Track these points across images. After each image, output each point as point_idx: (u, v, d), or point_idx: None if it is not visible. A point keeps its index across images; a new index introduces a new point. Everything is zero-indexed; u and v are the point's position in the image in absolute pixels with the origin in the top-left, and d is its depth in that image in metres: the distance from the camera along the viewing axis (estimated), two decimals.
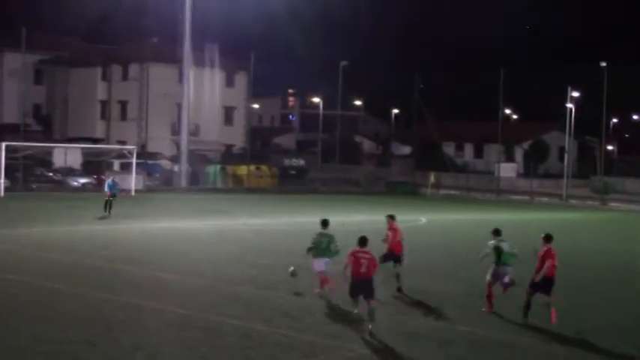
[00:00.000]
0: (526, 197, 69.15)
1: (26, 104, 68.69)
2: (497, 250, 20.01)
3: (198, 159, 72.35)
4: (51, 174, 59.01)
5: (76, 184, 57.68)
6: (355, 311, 18.57)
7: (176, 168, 66.41)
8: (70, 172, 58.79)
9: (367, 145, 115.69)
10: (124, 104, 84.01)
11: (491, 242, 20.21)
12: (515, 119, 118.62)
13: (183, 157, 65.53)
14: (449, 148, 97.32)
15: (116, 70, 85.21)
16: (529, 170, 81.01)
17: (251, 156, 70.00)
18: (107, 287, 21.23)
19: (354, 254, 18.17)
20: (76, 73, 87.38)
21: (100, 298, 20.05)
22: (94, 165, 60.81)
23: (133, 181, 55.60)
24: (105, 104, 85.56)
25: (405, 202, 58.97)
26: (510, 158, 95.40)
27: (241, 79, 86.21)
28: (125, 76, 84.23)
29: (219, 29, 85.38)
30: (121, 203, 41.57)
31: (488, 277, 20.17)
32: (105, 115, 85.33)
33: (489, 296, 20.11)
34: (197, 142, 75.68)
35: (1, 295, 20.14)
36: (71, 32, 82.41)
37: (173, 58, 70.35)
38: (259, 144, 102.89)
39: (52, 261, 25.42)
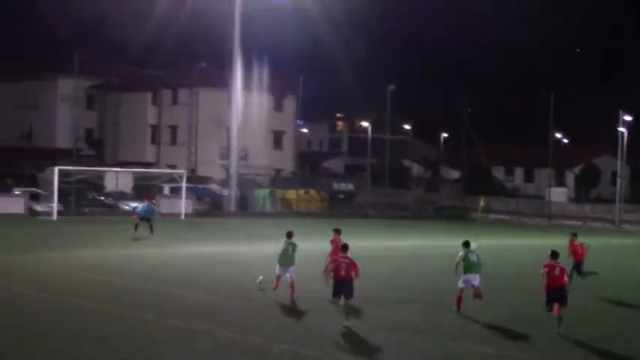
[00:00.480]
0: (578, 222, 68.25)
1: (78, 129, 69.73)
2: (466, 261, 22.84)
3: (248, 183, 72.67)
4: (102, 198, 59.65)
5: (127, 207, 58.15)
6: (338, 303, 20.66)
7: (225, 192, 66.71)
8: (121, 196, 59.34)
9: (416, 169, 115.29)
10: (174, 128, 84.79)
11: (461, 253, 23.01)
12: (565, 143, 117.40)
13: (233, 181, 65.84)
14: (498, 172, 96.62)
15: (166, 95, 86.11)
16: (580, 195, 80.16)
17: (300, 180, 70.13)
18: (155, 309, 21.34)
19: (335, 259, 20.98)
20: (126, 98, 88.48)
21: (148, 319, 20.15)
22: (144, 189, 61.32)
23: (182, 205, 55.99)
24: (155, 128, 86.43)
25: (454, 226, 58.55)
26: (561, 182, 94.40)
27: (290, 103, 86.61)
28: (175, 101, 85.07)
29: (267, 53, 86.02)
30: (170, 226, 41.92)
31: (459, 283, 22.90)
32: (155, 140, 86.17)
33: (459, 298, 22.82)
34: (246, 167, 76.03)
35: (53, 315, 20.35)
36: (122, 57, 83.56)
37: (222, 83, 70.93)
38: (308, 168, 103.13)
39: (102, 283, 25.62)
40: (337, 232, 26.78)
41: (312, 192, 70.13)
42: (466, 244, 23.21)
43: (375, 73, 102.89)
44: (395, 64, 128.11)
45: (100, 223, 49.22)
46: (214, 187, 70.83)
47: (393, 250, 39.37)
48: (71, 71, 61.43)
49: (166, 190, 61.77)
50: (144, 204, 41.67)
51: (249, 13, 66.92)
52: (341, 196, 74.61)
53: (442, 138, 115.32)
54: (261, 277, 24.70)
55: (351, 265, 20.53)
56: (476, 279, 22.99)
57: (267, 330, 19.48)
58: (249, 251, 36.64)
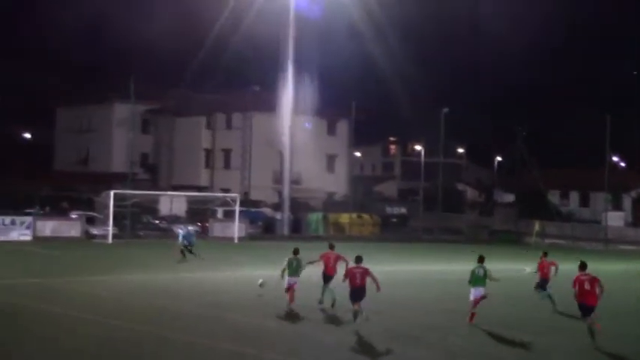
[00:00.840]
0: (636, 247, 67.04)
1: (134, 153, 70.46)
2: (472, 275, 24.77)
3: (300, 207, 72.75)
4: (157, 221, 60.13)
5: (180, 231, 58.56)
6: (355, 309, 23.26)
7: (278, 216, 66.87)
8: (175, 219, 59.76)
9: (470, 193, 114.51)
10: (227, 152, 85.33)
11: (472, 268, 24.94)
12: (622, 166, 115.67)
13: (286, 205, 65.97)
14: (553, 196, 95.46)
15: (220, 119, 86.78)
16: (638, 219, 78.71)
17: (353, 204, 69.98)
18: (209, 334, 21.38)
19: (351, 269, 23.86)
20: (181, 122, 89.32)
21: (202, 345, 20.19)
22: (198, 213, 61.72)
23: (236, 229, 56.21)
24: (209, 152, 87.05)
25: (509, 251, 57.90)
26: (618, 207, 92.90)
27: (343, 127, 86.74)
28: (229, 125, 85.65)
29: (320, 77, 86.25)
30: (223, 250, 42.03)
31: (470, 296, 24.67)
32: (209, 164, 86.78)
33: (472, 311, 24.48)
34: (299, 190, 76.16)
35: (108, 339, 20.48)
36: (176, 82, 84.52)
37: (275, 107, 71.27)
38: (361, 192, 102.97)
39: (156, 307, 25.75)
40: (331, 247, 28.98)
41: (365, 216, 69.95)
42: (480, 259, 25.08)
43: (428, 97, 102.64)
44: (449, 87, 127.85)
45: (154, 246, 49.58)
46: (267, 210, 71.04)
47: (448, 274, 39.00)
48: (127, 96, 62.16)
49: (220, 214, 62.07)
50: (184, 230, 41.49)
51: (303, 38, 67.28)
52: (394, 220, 74.30)
53: (496, 161, 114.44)
54: (261, 280, 28.02)
55: (364, 273, 23.54)
56: (481, 291, 24.71)
57: (324, 355, 19.35)
58: (303, 275, 36.48)
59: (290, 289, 26.28)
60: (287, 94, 66.90)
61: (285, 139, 67.59)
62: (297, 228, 66.04)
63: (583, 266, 22.27)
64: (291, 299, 26.08)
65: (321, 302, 26.59)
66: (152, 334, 21.18)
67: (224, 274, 35.46)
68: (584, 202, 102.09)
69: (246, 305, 26.53)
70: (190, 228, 44.01)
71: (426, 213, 79.14)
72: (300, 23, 66.08)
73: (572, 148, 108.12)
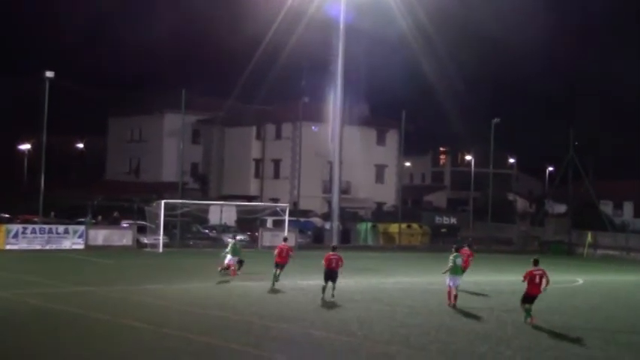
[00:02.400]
0: None
1: (184, 163, 70.96)
2: (453, 263, 29.50)
3: (350, 216, 72.65)
4: (207, 231, 60.47)
5: (230, 241, 58.76)
6: (324, 285, 30.02)
7: (327, 225, 66.85)
8: (225, 229, 60.05)
9: (520, 203, 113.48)
10: (277, 162, 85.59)
11: (451, 257, 29.69)
12: None
13: (335, 215, 65.93)
14: (606, 207, 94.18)
15: (270, 129, 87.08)
16: None
17: (402, 214, 69.74)
18: (257, 343, 21.39)
19: (328, 256, 30.32)
20: (231, 133, 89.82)
21: (250, 354, 20.22)
22: (247, 222, 61.94)
23: None
24: (259, 162, 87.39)
25: (560, 262, 57.20)
26: None
27: (392, 137, 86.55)
28: (278, 135, 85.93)
29: (370, 87, 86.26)
30: (273, 260, 42.01)
31: (448, 282, 29.63)
32: (259, 174, 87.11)
33: (449, 293, 29.58)
34: (348, 200, 76.12)
35: (159, 348, 20.61)
36: (227, 93, 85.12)
37: (325, 117, 71.35)
38: (410, 202, 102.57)
39: (206, 316, 25.86)
40: (285, 240, 36.55)
41: (415, 226, 69.66)
42: (456, 249, 30.71)
43: (479, 107, 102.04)
44: (500, 96, 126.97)
45: (204, 255, 49.79)
46: (316, 220, 71.06)
47: (500, 284, 38.64)
48: (178, 107, 62.64)
49: (269, 224, 62.23)
50: (230, 246, 39.24)
51: (353, 48, 67.31)
52: (443, 230, 73.85)
53: (547, 171, 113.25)
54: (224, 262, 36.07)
55: (339, 259, 30.19)
56: (456, 281, 29.53)
57: None
58: (352, 285, 36.49)
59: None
60: (336, 104, 66.93)
61: (335, 149, 67.58)
62: (346, 238, 65.98)
63: (536, 262, 26.81)
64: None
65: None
66: (202, 343, 21.28)
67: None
68: (639, 212, 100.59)
69: (294, 316, 26.50)
70: (238, 237, 43.89)
71: (476, 223, 78.55)
72: (350, 34, 66.13)
73: (626, 159, 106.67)
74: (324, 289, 30.01)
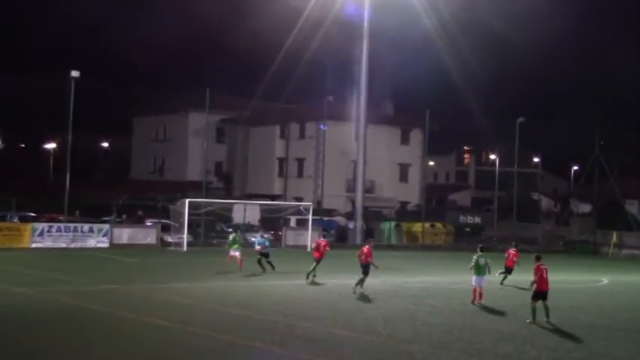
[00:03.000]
0: None
1: (208, 162, 71.15)
2: (475, 263, 29.76)
3: (373, 216, 72.58)
4: (230, 230, 60.52)
5: (253, 239, 58.86)
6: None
7: (351, 224, 66.83)
8: (249, 227, 60.17)
9: (545, 202, 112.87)
10: (300, 161, 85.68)
11: (475, 257, 29.91)
12: None
13: (358, 214, 65.93)
14: (632, 206, 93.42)
15: (294, 128, 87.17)
16: None
17: (426, 213, 69.60)
18: (281, 342, 21.44)
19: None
20: (255, 132, 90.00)
21: (274, 352, 20.29)
22: (271, 221, 62.02)
23: (309, 238, 56.34)
24: (282, 162, 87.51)
25: (585, 261, 56.94)
26: None
27: (416, 136, 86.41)
28: (302, 134, 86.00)
29: (394, 86, 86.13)
30: (297, 258, 42.05)
31: (473, 282, 29.94)
32: (282, 173, 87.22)
33: (475, 290, 29.85)
34: (372, 199, 76.08)
35: (183, 347, 20.70)
36: (251, 92, 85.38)
37: (349, 116, 71.32)
38: (434, 201, 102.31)
39: (230, 315, 25.94)
40: (323, 235, 41.51)
41: (439, 225, 69.50)
42: (481, 249, 30.55)
43: (503, 106, 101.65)
44: (525, 95, 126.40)
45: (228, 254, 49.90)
46: (340, 219, 71.06)
47: (524, 284, 38.48)
48: (202, 106, 62.85)
49: (293, 223, 62.29)
50: (259, 237, 40.51)
51: (377, 48, 67.26)
52: (467, 230, 73.63)
53: (572, 170, 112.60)
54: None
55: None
56: (480, 280, 29.77)
57: None
58: (376, 284, 36.49)
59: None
60: (360, 103, 66.89)
61: (359, 148, 67.55)
62: (369, 237, 65.84)
63: (539, 258, 26.59)
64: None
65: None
66: (226, 341, 21.35)
67: (296, 282, 35.54)
68: None
69: (317, 314, 26.53)
70: (266, 235, 44.08)
71: (501, 222, 78.26)
72: (374, 33, 66.08)
73: None
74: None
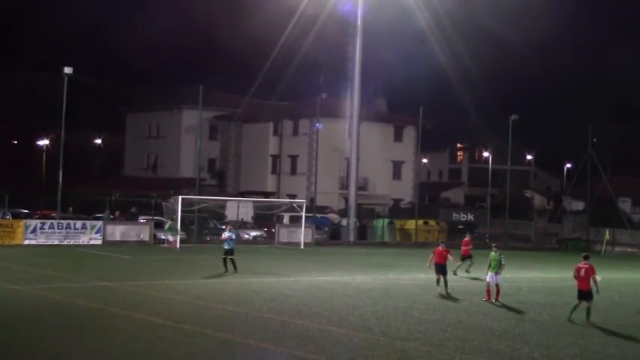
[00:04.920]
0: None
1: (202, 159, 71.07)
2: (492, 261, 30.32)
3: (366, 213, 72.56)
4: (223, 227, 60.49)
5: (247, 236, 58.92)
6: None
7: (344, 222, 66.81)
8: (242, 225, 60.12)
9: (538, 200, 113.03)
10: (294, 158, 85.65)
11: (492, 254, 30.49)
12: None
13: (352, 211, 65.91)
14: (625, 204, 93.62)
15: (287, 125, 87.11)
16: None
17: (419, 210, 69.58)
18: (274, 339, 21.43)
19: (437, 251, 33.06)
20: (248, 129, 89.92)
21: (267, 350, 20.27)
22: (264, 218, 61.99)
23: (302, 235, 56.34)
24: (276, 159, 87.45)
25: (578, 259, 56.80)
26: None
27: (410, 134, 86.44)
28: (295, 131, 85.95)
29: (388, 84, 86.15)
30: (290, 256, 42.00)
31: (487, 279, 30.49)
32: (276, 170, 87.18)
33: (488, 290, 30.37)
34: (365, 196, 76.03)
35: (179, 344, 20.67)
36: (243, 90, 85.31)
37: (342, 113, 71.27)
38: (427, 198, 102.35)
39: (223, 312, 25.92)
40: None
41: (432, 222, 69.49)
42: (496, 247, 31.08)
43: (496, 103, 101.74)
44: (518, 93, 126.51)
45: (221, 251, 49.85)
46: (333, 216, 71.04)
47: (518, 282, 38.55)
48: (195, 103, 62.73)
49: (286, 220, 62.27)
50: (229, 231, 38.14)
51: (370, 44, 67.22)
52: (460, 227, 73.61)
53: (565, 168, 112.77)
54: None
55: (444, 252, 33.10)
56: (494, 277, 30.18)
57: None
58: (369, 281, 36.52)
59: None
60: (354, 100, 66.88)
61: (352, 145, 67.53)
62: (363, 234, 65.93)
63: (586, 257, 27.18)
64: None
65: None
66: (219, 338, 21.33)
67: (289, 279, 35.54)
68: None
69: (311, 312, 26.53)
70: (255, 233, 43.49)
71: (494, 220, 78.31)
72: (368, 30, 66.03)
73: None
74: (438, 281, 32.28)
